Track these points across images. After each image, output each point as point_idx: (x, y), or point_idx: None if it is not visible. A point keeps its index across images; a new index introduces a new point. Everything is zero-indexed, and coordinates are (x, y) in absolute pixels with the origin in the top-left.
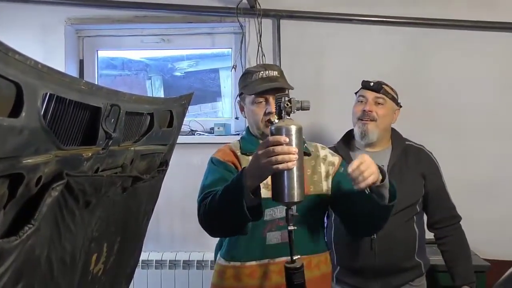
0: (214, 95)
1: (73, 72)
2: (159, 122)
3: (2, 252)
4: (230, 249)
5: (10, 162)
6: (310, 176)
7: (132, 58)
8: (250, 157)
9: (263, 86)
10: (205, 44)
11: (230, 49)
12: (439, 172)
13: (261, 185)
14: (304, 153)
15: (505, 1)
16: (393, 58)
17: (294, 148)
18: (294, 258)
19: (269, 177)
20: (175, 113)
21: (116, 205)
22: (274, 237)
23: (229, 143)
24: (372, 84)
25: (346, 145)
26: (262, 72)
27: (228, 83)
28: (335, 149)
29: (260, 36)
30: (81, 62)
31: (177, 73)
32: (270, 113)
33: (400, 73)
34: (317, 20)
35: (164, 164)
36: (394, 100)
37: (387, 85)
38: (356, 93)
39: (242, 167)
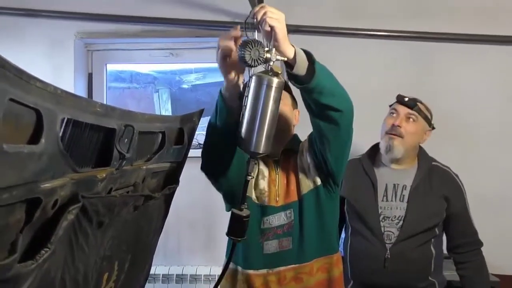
0: None
1: (82, 86)
2: (170, 139)
3: (19, 277)
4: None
5: (28, 187)
6: (301, 178)
7: (140, 71)
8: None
9: None
10: (212, 58)
11: None
12: (463, 196)
13: (259, 192)
14: (291, 150)
15: (511, 15)
16: (398, 72)
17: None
18: (243, 207)
19: (266, 183)
20: (186, 130)
21: (128, 223)
22: (271, 246)
23: None
24: (407, 99)
25: (371, 159)
26: None
27: None
28: (359, 160)
29: None
30: (90, 76)
31: (185, 86)
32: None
33: (405, 86)
34: (322, 35)
35: (175, 181)
36: (427, 119)
37: (422, 103)
38: (390, 105)
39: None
